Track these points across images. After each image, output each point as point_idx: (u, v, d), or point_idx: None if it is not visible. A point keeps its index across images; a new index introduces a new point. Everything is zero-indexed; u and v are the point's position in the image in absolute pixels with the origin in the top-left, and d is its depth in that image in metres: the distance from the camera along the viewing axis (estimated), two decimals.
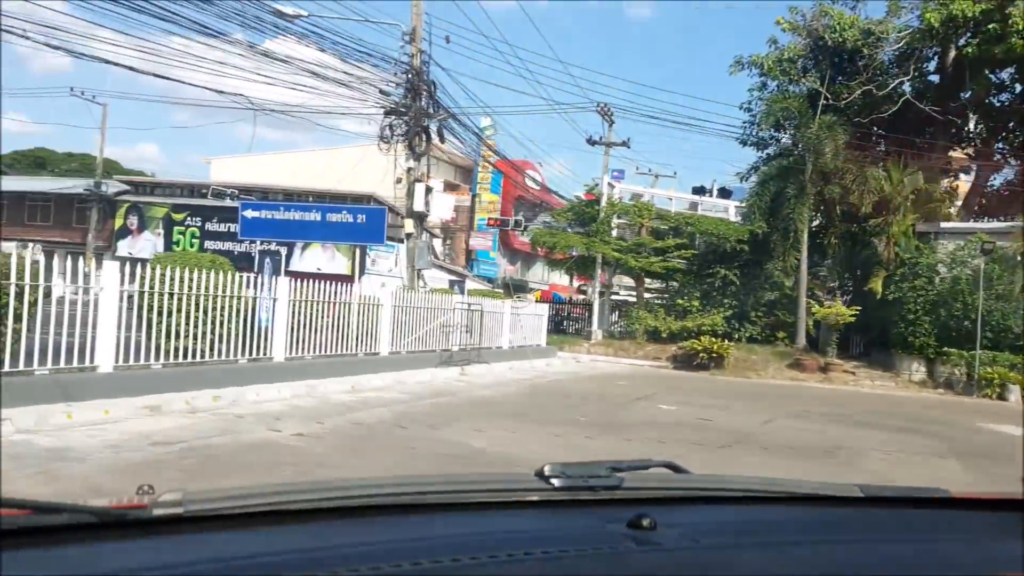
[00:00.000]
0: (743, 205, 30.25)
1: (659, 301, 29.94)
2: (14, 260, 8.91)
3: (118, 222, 46.63)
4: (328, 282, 13.93)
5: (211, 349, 11.77)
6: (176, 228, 46.59)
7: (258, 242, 43.68)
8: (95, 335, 9.81)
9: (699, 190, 36.06)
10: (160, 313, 10.74)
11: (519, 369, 20.41)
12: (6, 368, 8.75)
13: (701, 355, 24.36)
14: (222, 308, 11.87)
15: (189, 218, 46.72)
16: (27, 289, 8.93)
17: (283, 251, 21.62)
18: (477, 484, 1.62)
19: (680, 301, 27.97)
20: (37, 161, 70.36)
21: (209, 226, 46.59)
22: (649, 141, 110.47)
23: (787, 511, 1.73)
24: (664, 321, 27.20)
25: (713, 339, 24.94)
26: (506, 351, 21.99)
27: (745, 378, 23.04)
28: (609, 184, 30.05)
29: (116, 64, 16.88)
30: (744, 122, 29.81)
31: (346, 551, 1.21)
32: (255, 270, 12.74)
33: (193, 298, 11.31)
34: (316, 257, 39.74)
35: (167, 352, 10.96)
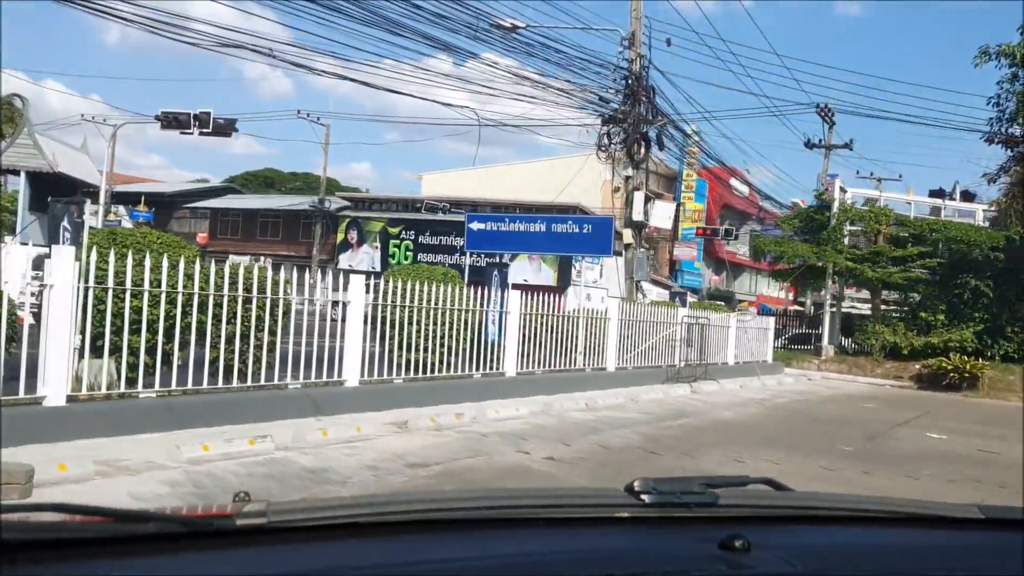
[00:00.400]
0: (991, 208, 27.21)
1: (896, 314, 27.44)
2: (265, 272, 8.97)
3: (339, 236, 49.19)
4: (537, 293, 13.46)
5: (443, 363, 11.57)
6: (392, 241, 48.52)
7: (482, 254, 44.64)
8: (342, 349, 9.76)
9: (938, 193, 32.86)
10: (396, 327, 10.61)
11: (750, 387, 19.10)
12: (262, 380, 8.81)
13: (951, 375, 21.97)
14: (455, 321, 11.65)
15: (404, 232, 48.57)
16: (279, 303, 8.98)
17: (509, 263, 21.47)
18: (565, 499, 1.61)
19: (923, 315, 25.42)
20: (267, 180, 75.81)
21: (422, 239, 48.23)
22: (868, 143, 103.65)
23: (897, 534, 1.62)
24: (905, 336, 24.82)
25: (963, 357, 22.44)
26: (732, 367, 20.74)
27: (1004, 400, 20.48)
28: (840, 188, 27.87)
29: (346, 79, 17.32)
30: (991, 118, 26.71)
31: (427, 566, 1.22)
32: (465, 282, 12.53)
33: (428, 311, 11.14)
34: (523, 269, 39.93)
35: (406, 366, 10.83)
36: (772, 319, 26.18)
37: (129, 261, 7.37)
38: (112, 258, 7.23)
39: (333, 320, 9.80)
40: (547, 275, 43.22)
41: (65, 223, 8.04)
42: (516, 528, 1.40)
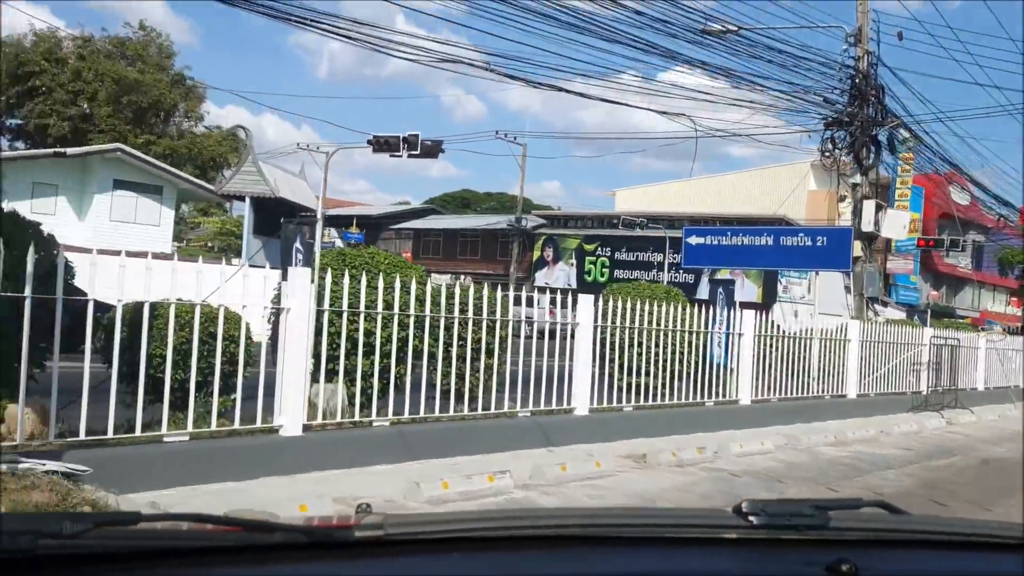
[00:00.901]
0: None
1: None
2: (482, 292, 8.45)
3: (535, 254, 49.29)
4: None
5: (669, 389, 10.66)
6: (587, 258, 48.03)
7: (683, 271, 43.20)
8: (571, 374, 9.09)
9: None
10: (616, 349, 9.80)
11: (1010, 417, 16.77)
12: (492, 408, 8.28)
13: None
14: (679, 344, 10.71)
15: (599, 248, 47.97)
16: (502, 324, 8.44)
17: (736, 280, 20.23)
18: (672, 518, 1.59)
19: None
20: (463, 201, 77.79)
21: (618, 255, 47.41)
22: None
23: (1017, 560, 1.51)
24: None
25: None
26: (982, 393, 18.42)
27: None
28: None
29: (563, 90, 16.73)
30: None
31: None
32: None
33: (651, 333, 10.27)
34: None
35: (633, 393, 10.01)
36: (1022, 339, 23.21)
37: (363, 283, 7.02)
38: (346, 280, 6.91)
39: (524, 339, 9.15)
40: (750, 291, 41.14)
41: (297, 244, 7.87)
42: (623, 546, 1.39)
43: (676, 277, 43.56)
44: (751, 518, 1.40)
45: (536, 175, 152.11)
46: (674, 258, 44.98)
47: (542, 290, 9.15)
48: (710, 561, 1.40)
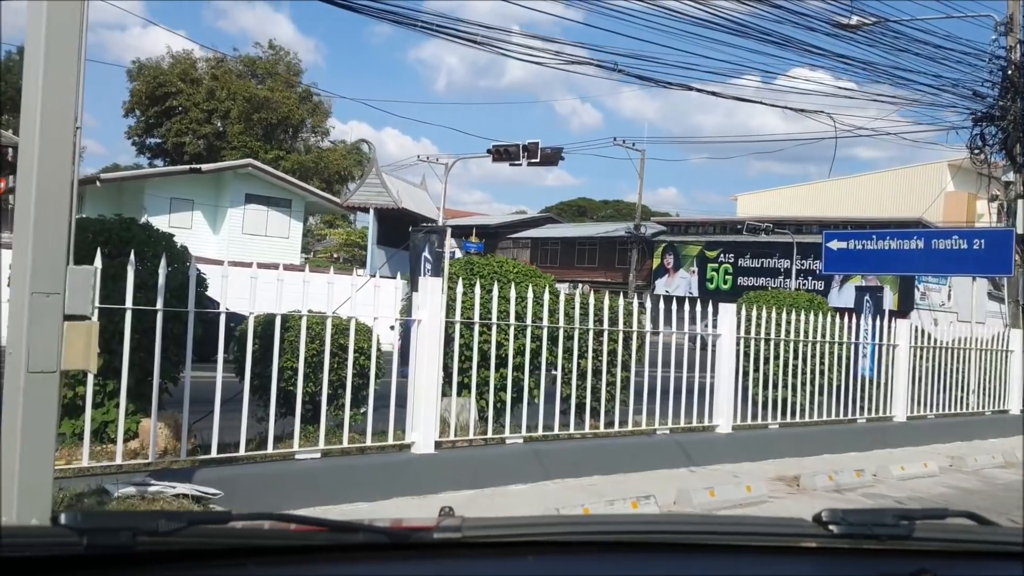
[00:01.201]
0: None
1: None
2: (617, 302, 7.98)
3: (655, 261, 48.31)
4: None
5: (814, 405, 9.90)
6: (709, 265, 46.73)
7: (810, 277, 41.43)
8: (712, 389, 8.52)
9: None
10: (754, 361, 9.13)
11: None
12: (629, 425, 7.81)
13: None
14: (823, 356, 9.94)
15: (722, 255, 46.58)
16: (636, 335, 7.95)
17: (885, 288, 19.10)
18: (751, 527, 1.58)
19: None
20: (579, 209, 77.30)
21: (742, 262, 45.91)
22: None
23: None
24: None
25: None
26: None
27: None
28: None
29: (695, 89, 16.02)
30: None
31: None
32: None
33: (792, 344, 9.55)
34: (852, 292, 36.36)
35: (775, 408, 9.33)
36: None
37: (495, 293, 6.69)
38: (477, 290, 6.59)
39: (652, 350, 8.58)
40: (887, 298, 38.98)
41: (426, 254, 7.62)
42: (702, 554, 1.39)
43: (805, 284, 41.83)
44: (831, 527, 1.39)
45: (653, 182, 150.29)
46: (801, 264, 43.29)
47: (667, 299, 8.59)
48: (789, 569, 1.39)
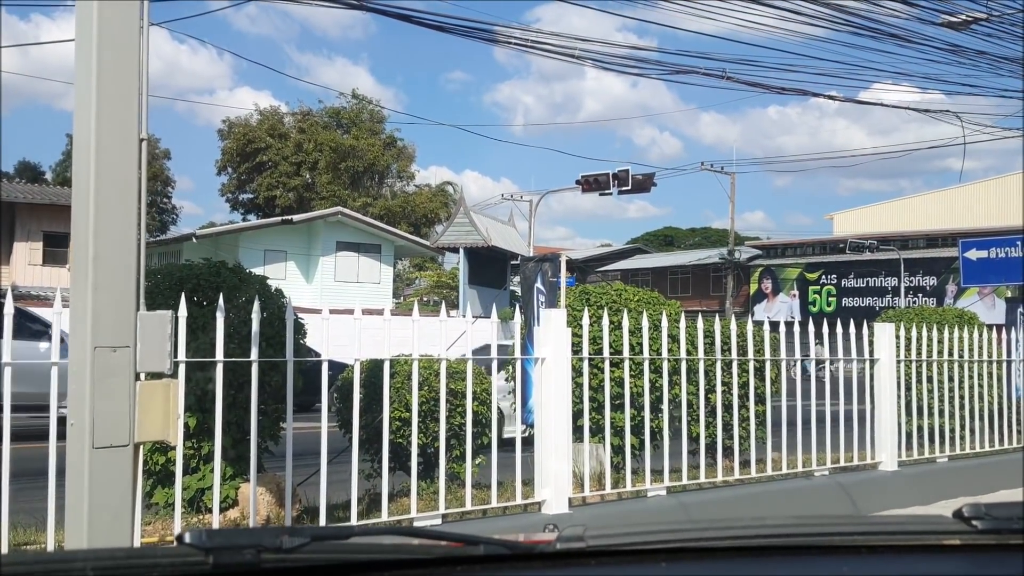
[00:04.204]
0: None
1: None
2: (746, 329, 7.04)
3: (752, 286, 46.64)
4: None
5: (973, 432, 8.71)
6: (811, 287, 44.83)
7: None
8: (872, 420, 7.46)
9: None
10: (902, 387, 8.03)
11: None
12: (783, 468, 6.82)
13: None
14: (980, 377, 8.78)
15: (824, 276, 44.64)
16: (772, 364, 6.98)
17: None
18: (889, 526, 1.52)
19: None
20: (666, 239, 75.88)
21: (845, 282, 43.91)
22: None
23: None
24: None
25: None
26: None
27: None
28: None
29: (811, 94, 14.90)
30: None
31: None
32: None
33: (948, 365, 8.42)
34: (969, 305, 34.11)
35: (947, 440, 8.20)
36: None
37: (625, 325, 5.86)
38: (605, 321, 5.78)
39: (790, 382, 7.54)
40: (1001, 312, 36.54)
41: (538, 284, 6.87)
42: (838, 555, 1.35)
43: (915, 301, 39.70)
44: (975, 522, 1.35)
45: (739, 207, 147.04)
46: (910, 281, 41.10)
47: (774, 325, 7.55)
48: (932, 568, 1.34)
